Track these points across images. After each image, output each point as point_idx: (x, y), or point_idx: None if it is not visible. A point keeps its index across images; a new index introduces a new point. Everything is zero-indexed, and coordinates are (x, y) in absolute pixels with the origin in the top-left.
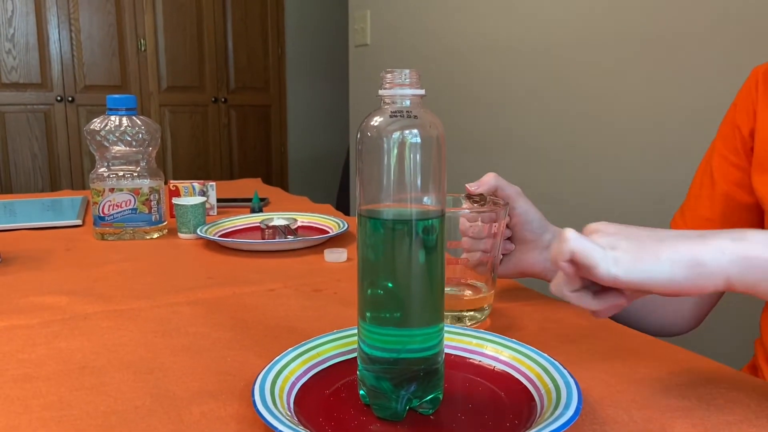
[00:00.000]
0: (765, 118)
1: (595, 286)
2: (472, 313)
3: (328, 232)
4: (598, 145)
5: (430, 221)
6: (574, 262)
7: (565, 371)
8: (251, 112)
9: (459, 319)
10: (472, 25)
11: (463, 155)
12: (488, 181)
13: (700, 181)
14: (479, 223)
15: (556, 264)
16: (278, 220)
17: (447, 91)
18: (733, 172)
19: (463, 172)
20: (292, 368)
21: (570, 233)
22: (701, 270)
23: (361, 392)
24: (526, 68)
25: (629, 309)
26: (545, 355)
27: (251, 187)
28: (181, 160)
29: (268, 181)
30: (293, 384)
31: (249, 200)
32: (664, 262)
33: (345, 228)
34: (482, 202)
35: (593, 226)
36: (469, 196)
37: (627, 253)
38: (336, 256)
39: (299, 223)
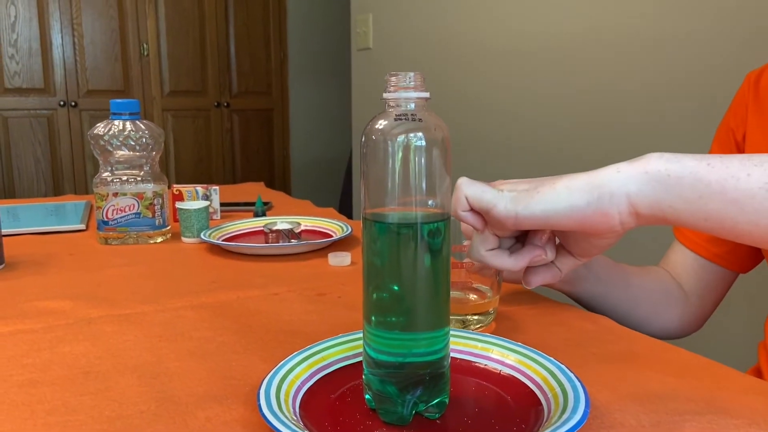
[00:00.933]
0: (754, 125)
1: (509, 243)
2: (477, 317)
3: (332, 236)
4: (601, 148)
5: (435, 224)
6: (473, 211)
7: (572, 375)
8: (254, 116)
9: (464, 323)
10: (474, 28)
11: (467, 157)
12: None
13: None
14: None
15: (457, 216)
16: (282, 223)
17: (449, 93)
18: None
19: (467, 175)
20: (298, 372)
21: (462, 180)
22: (600, 192)
23: (367, 396)
24: (529, 71)
25: (627, 310)
26: (552, 358)
27: (254, 191)
28: (184, 164)
29: (270, 185)
30: (299, 388)
31: (252, 204)
32: (561, 191)
33: (349, 232)
34: None
35: (497, 181)
36: None
37: (525, 192)
38: (340, 259)
39: (303, 227)
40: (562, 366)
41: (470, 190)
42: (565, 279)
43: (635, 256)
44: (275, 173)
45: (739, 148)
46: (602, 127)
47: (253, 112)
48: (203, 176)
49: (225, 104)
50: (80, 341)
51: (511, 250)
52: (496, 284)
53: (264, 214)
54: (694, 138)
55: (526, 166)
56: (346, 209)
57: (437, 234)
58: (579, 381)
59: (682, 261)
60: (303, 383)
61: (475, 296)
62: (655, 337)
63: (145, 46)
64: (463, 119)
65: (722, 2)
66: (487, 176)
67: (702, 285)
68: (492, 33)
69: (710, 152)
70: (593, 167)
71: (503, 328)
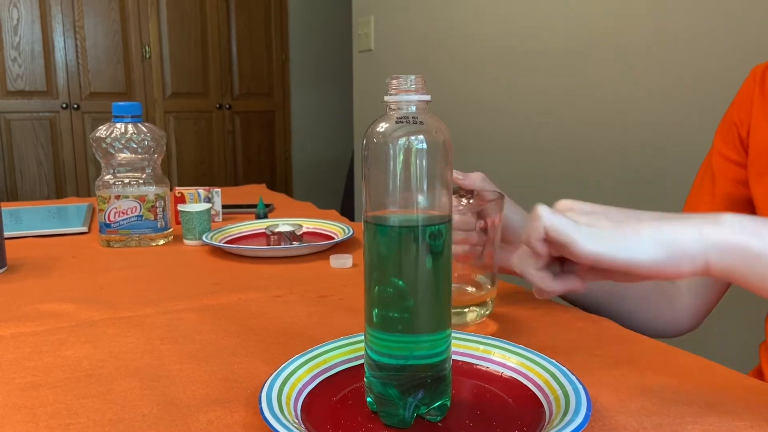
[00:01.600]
0: (759, 118)
1: (556, 267)
2: (475, 308)
3: (334, 238)
4: (603, 149)
5: (436, 227)
6: (548, 240)
7: (573, 377)
8: (255, 118)
9: (462, 315)
10: (476, 30)
11: (468, 159)
12: (475, 179)
13: (701, 180)
14: (468, 216)
15: (529, 243)
16: (283, 226)
17: (451, 95)
18: (733, 168)
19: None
20: (299, 375)
21: (543, 210)
22: (681, 252)
23: (369, 399)
24: (530, 72)
25: (630, 312)
26: (553, 361)
27: (256, 193)
28: (186, 166)
29: (272, 186)
30: (300, 391)
31: (254, 206)
32: (646, 241)
33: (350, 234)
34: (469, 197)
35: (565, 203)
36: (457, 191)
37: (607, 231)
38: (342, 261)
39: (304, 229)
40: (564, 368)
41: (550, 221)
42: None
43: None
44: (277, 175)
45: (743, 144)
46: (604, 128)
47: (255, 113)
48: (205, 178)
49: (227, 106)
50: (82, 344)
51: (552, 270)
52: (492, 276)
53: (266, 216)
54: (697, 137)
55: (528, 166)
56: (348, 211)
57: (438, 236)
58: (581, 383)
59: None
60: (304, 386)
61: (472, 288)
62: (655, 337)
63: (147, 48)
64: (465, 120)
65: (725, 1)
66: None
67: (699, 282)
68: (493, 34)
69: (712, 148)
70: (594, 168)
71: (504, 330)
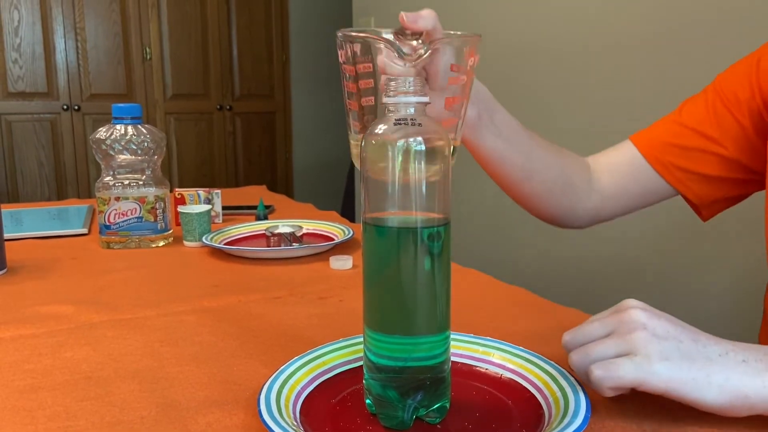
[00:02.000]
0: None
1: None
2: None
3: (334, 239)
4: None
5: (435, 228)
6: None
7: (572, 379)
8: (256, 119)
9: None
10: (476, 31)
11: (468, 159)
12: (427, 17)
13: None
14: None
15: (601, 390)
16: (283, 227)
17: None
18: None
19: (469, 174)
20: (298, 377)
21: (628, 368)
22: (744, 400)
23: (368, 401)
24: (531, 72)
25: (521, 179)
26: (552, 362)
27: (256, 194)
28: (186, 167)
29: (273, 187)
30: (299, 393)
31: (254, 207)
32: (714, 387)
33: (350, 235)
34: (419, 40)
35: (637, 315)
36: (403, 33)
37: (679, 369)
38: (341, 263)
39: (304, 231)
40: (563, 370)
41: (636, 377)
42: (468, 123)
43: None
44: (278, 176)
45: (758, 108)
46: (606, 129)
47: (256, 115)
48: (206, 179)
49: (227, 107)
50: (82, 346)
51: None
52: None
53: (266, 218)
54: None
55: None
56: (349, 211)
57: (437, 238)
58: (580, 385)
59: (623, 161)
60: (303, 388)
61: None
62: (552, 224)
63: (147, 49)
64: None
65: (725, 1)
66: (486, 178)
67: (630, 188)
68: (493, 35)
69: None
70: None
71: (504, 331)
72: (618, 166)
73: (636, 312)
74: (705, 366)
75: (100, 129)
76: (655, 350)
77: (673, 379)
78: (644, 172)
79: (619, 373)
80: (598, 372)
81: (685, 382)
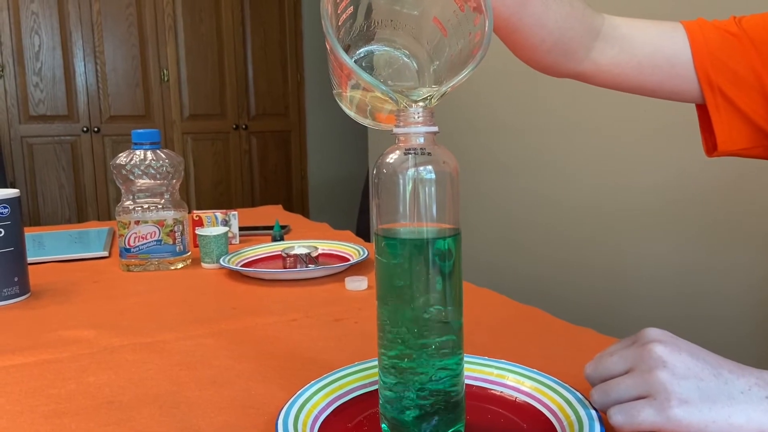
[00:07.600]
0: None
1: None
2: None
3: (349, 260)
4: (608, 155)
5: (446, 246)
6: None
7: (588, 403)
8: (271, 138)
9: None
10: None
11: (475, 175)
12: None
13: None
14: None
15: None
16: (299, 248)
17: (460, 109)
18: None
19: (476, 191)
20: (315, 401)
21: (647, 414)
22: None
23: (384, 426)
24: (534, 80)
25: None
26: (567, 386)
27: (272, 214)
28: (203, 186)
29: (288, 205)
30: (316, 417)
31: (270, 228)
32: (734, 428)
33: (365, 255)
34: None
35: (657, 351)
36: None
37: (700, 413)
38: (357, 284)
39: (320, 251)
40: (578, 394)
41: (655, 423)
42: None
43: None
44: (293, 194)
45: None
46: (610, 136)
47: (271, 133)
48: (222, 197)
49: (243, 126)
50: (104, 370)
51: None
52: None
53: (282, 239)
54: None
55: (530, 173)
56: (364, 228)
57: (448, 256)
58: (595, 410)
59: (665, 44)
60: (320, 412)
61: None
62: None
63: (165, 71)
64: (471, 136)
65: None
66: (494, 192)
67: (649, 73)
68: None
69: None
70: (596, 172)
71: (516, 353)
72: (657, 47)
73: (657, 347)
74: (726, 406)
75: (120, 155)
76: (675, 392)
77: (693, 423)
78: (682, 73)
79: (638, 419)
80: (617, 417)
81: (705, 425)
